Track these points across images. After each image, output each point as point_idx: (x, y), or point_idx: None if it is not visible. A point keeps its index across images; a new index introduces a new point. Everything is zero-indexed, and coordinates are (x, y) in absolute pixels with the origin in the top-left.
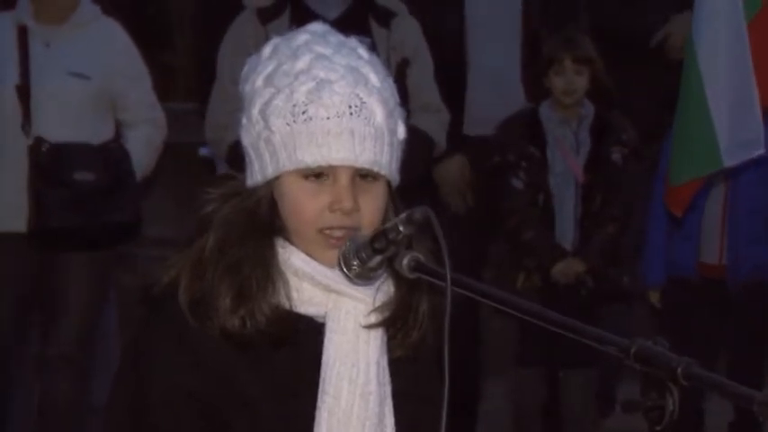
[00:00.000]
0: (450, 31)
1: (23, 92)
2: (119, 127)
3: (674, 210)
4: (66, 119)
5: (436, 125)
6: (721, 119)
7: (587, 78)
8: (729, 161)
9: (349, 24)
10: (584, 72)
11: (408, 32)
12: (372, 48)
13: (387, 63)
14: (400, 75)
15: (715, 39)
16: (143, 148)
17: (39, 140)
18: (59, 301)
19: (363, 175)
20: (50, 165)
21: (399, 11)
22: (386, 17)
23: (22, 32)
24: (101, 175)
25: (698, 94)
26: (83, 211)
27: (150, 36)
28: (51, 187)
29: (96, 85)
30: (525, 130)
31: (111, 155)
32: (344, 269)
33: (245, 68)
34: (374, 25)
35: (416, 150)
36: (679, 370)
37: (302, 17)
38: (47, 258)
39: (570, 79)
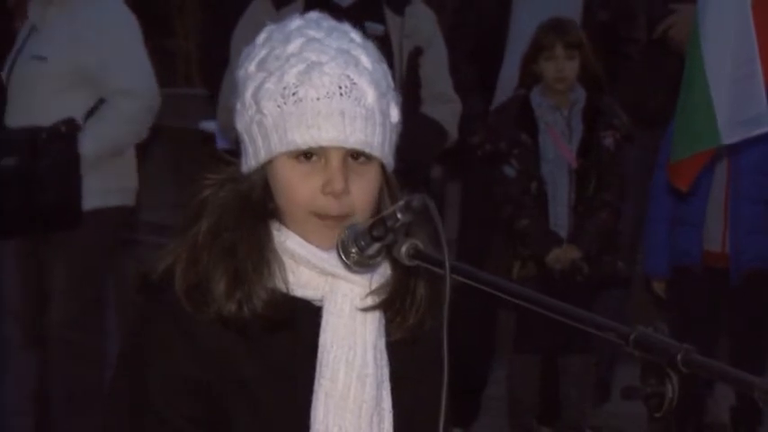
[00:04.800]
0: (494, 8)
1: (8, 82)
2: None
3: (679, 185)
4: (29, 103)
5: (449, 115)
6: (720, 96)
7: (578, 64)
8: (729, 138)
9: (363, 11)
10: (574, 57)
11: (422, 21)
12: (385, 36)
13: (400, 51)
14: (413, 63)
15: (719, 18)
16: (105, 122)
17: None
18: (43, 286)
19: (356, 157)
20: None
21: None
22: (400, 5)
23: (34, 26)
24: (23, 160)
25: (699, 73)
26: (8, 197)
27: (151, 22)
28: None
29: (54, 65)
30: (517, 118)
31: (49, 136)
32: (343, 257)
33: (241, 56)
34: (388, 13)
35: (429, 139)
36: (679, 357)
37: (317, 2)
38: (29, 245)
39: (561, 66)
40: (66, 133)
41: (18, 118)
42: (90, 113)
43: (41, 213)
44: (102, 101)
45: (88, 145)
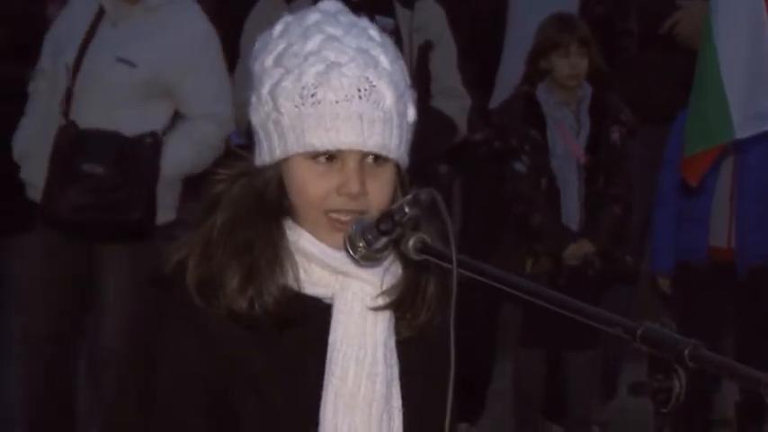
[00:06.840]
0: (489, 4)
1: (73, 72)
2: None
3: (689, 179)
4: (105, 105)
5: (458, 110)
6: (735, 91)
7: (587, 60)
8: (742, 133)
9: (373, 5)
10: (585, 54)
11: (432, 15)
12: (395, 29)
13: (409, 45)
14: (422, 57)
15: (732, 14)
16: (188, 143)
17: (69, 125)
18: (97, 292)
19: (373, 158)
20: (66, 152)
21: None
22: None
23: (101, 10)
24: (111, 170)
25: (713, 68)
26: (88, 206)
27: None
28: (62, 176)
29: (143, 74)
30: (524, 114)
31: (136, 149)
32: (350, 251)
33: (256, 46)
34: (398, 6)
35: (438, 134)
36: (686, 352)
37: None
38: (83, 245)
39: (576, 63)
40: (150, 146)
41: (87, 118)
42: (167, 128)
43: (122, 226)
44: (177, 115)
45: (169, 164)
